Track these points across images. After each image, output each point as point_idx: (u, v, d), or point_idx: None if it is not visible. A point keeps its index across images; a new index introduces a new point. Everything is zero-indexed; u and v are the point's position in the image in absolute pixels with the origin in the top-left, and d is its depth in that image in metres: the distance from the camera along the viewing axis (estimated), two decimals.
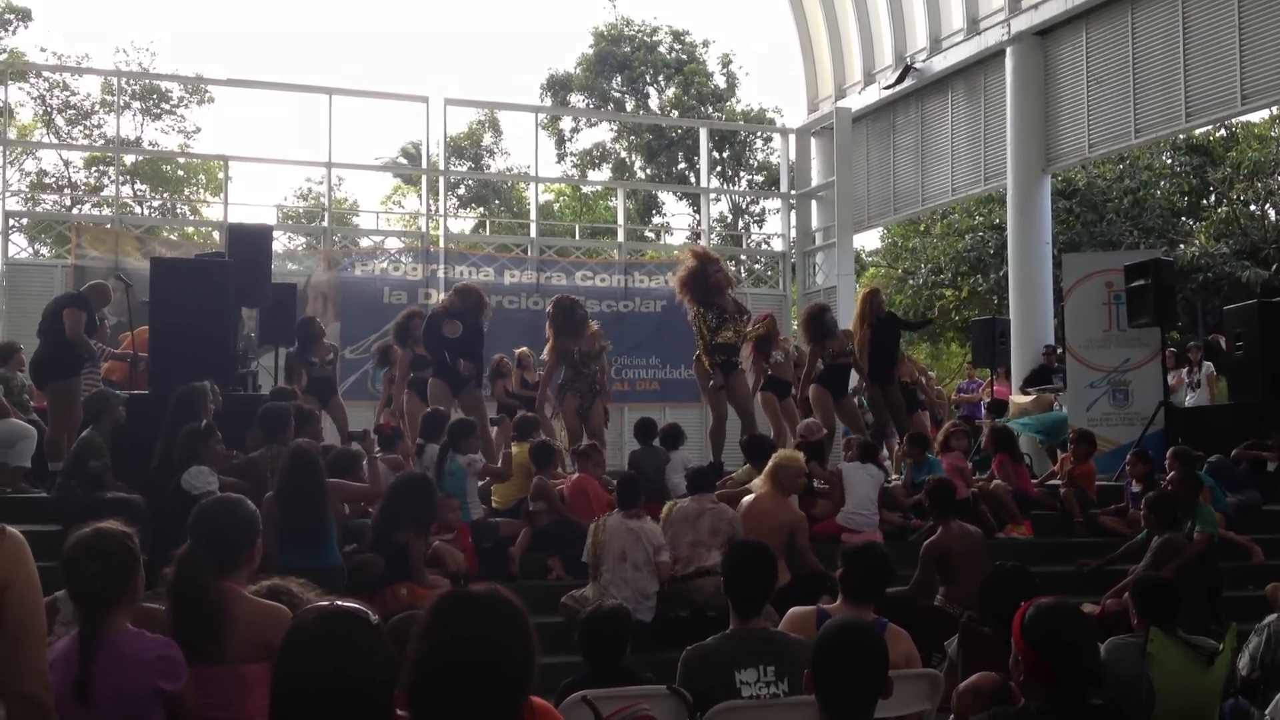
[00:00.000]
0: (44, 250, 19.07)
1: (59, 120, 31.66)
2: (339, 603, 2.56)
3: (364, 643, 2.42)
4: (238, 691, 3.66)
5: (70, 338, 9.75)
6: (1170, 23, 15.18)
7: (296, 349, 11.93)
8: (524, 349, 13.61)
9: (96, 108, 31.54)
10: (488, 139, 37.32)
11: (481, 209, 35.68)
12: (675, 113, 33.83)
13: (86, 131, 31.39)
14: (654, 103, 35.76)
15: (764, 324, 11.59)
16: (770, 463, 8.20)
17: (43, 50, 31.15)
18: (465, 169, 34.93)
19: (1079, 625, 3.41)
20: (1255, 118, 28.37)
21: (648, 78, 35.29)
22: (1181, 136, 25.20)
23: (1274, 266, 27.19)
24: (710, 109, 34.53)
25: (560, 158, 35.92)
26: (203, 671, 3.63)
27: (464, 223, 33.27)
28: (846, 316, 19.53)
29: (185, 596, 3.75)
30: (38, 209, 24.38)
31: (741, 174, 35.19)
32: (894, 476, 11.28)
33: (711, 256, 11.46)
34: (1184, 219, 29.95)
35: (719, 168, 33.65)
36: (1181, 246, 27.36)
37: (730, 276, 11.53)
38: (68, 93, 31.42)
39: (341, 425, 11.48)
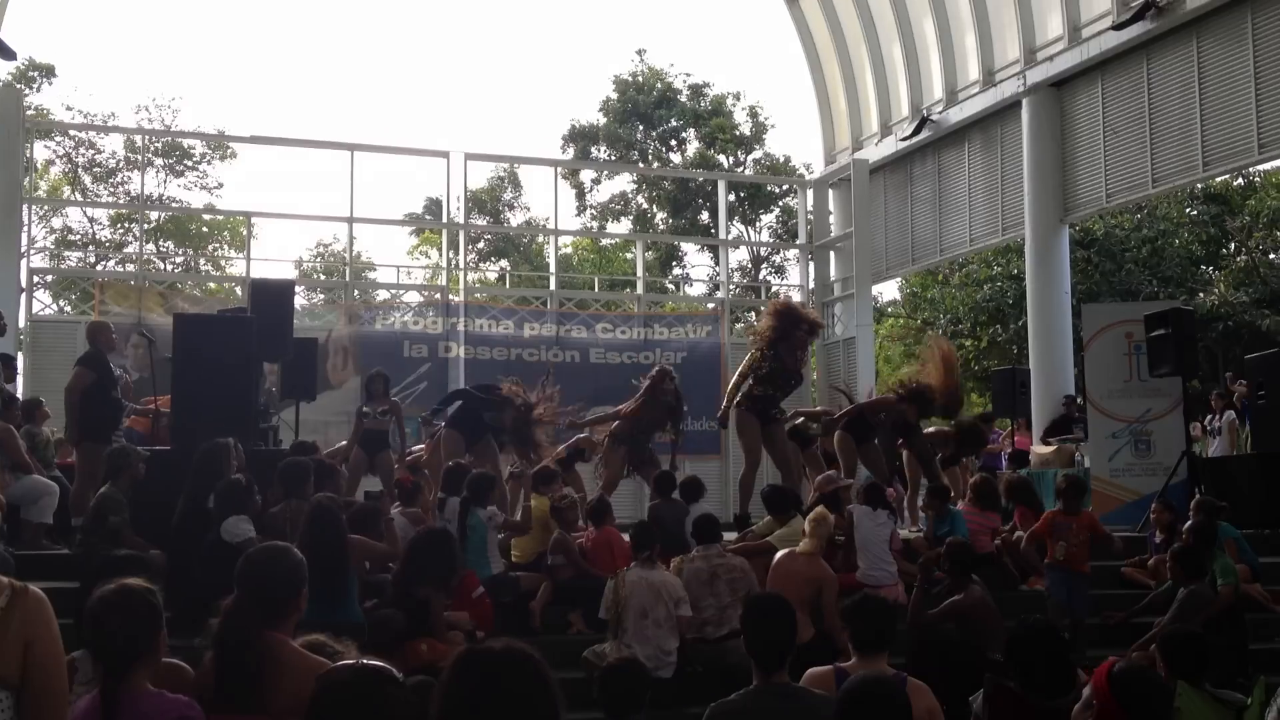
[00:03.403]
0: (67, 307, 19.23)
1: (85, 178, 32.08)
2: (367, 661, 2.57)
3: (393, 700, 2.43)
4: None
5: (65, 396, 9.82)
6: (1186, 73, 15.23)
7: (363, 399, 12.15)
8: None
9: (121, 165, 31.96)
10: (507, 194, 37.64)
11: (501, 262, 35.93)
12: (689, 166, 34.08)
13: (112, 189, 31.77)
14: (676, 157, 35.98)
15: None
16: (812, 522, 8.20)
17: (69, 109, 31.63)
18: (485, 223, 35.20)
19: (1166, 694, 3.47)
20: (1273, 166, 28.39)
21: (672, 125, 35.51)
22: (1199, 185, 25.21)
23: None
24: (739, 154, 34.72)
25: (580, 210, 36.22)
26: None
27: (485, 274, 33.48)
28: (866, 366, 19.65)
29: (231, 646, 3.72)
30: (62, 266, 24.63)
31: (762, 216, 35.34)
32: (915, 528, 11.21)
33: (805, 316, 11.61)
34: (1203, 268, 29.93)
35: (739, 212, 33.78)
36: (1201, 295, 27.31)
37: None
38: (93, 150, 31.85)
39: (386, 483, 11.53)
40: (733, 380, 11.60)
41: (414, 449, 12.51)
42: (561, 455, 11.95)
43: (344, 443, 12.15)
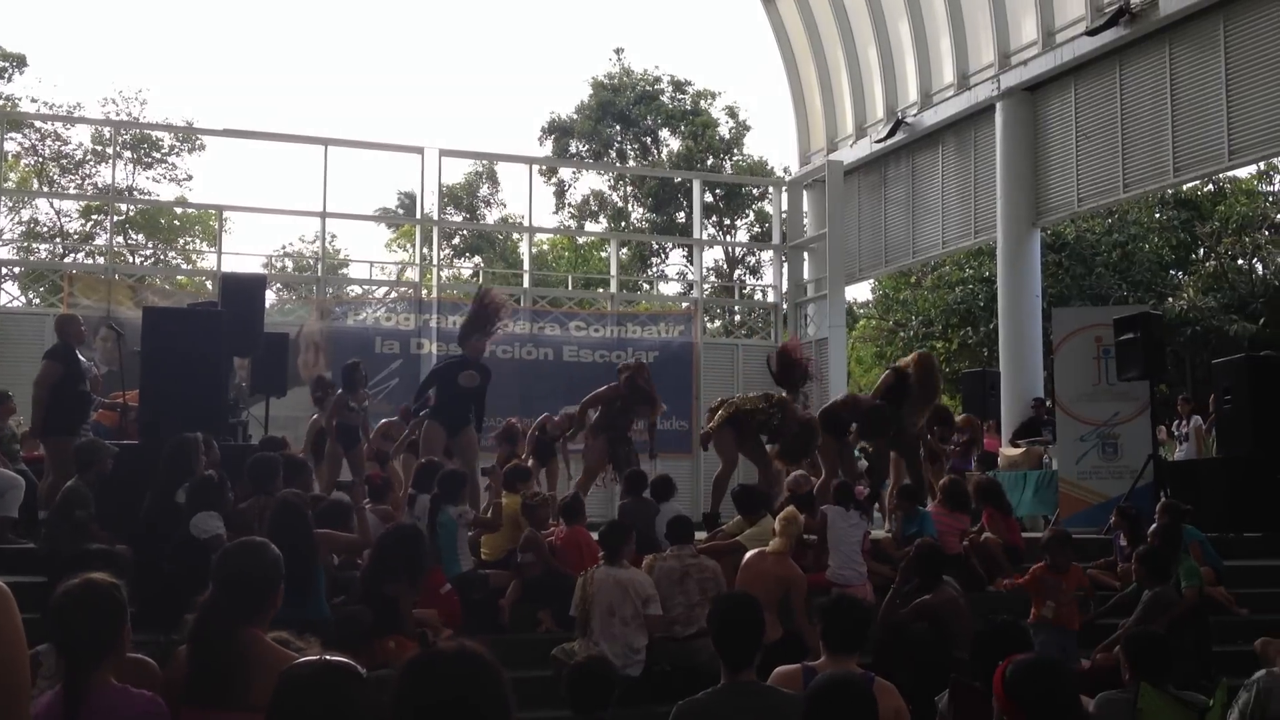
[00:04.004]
0: (36, 299, 19.07)
1: (51, 169, 31.79)
2: (329, 657, 2.55)
3: (355, 696, 2.42)
4: None
5: (34, 389, 9.71)
6: (1158, 79, 15.35)
7: (343, 390, 11.94)
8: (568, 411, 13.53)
9: (89, 157, 31.67)
10: (484, 190, 37.56)
11: (476, 259, 35.87)
12: (683, 165, 34.10)
13: (79, 181, 31.49)
14: (656, 154, 35.99)
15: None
16: (782, 522, 8.23)
17: (34, 101, 31.35)
18: (460, 219, 35.09)
19: (1063, 679, 3.41)
20: (1243, 173, 28.64)
21: (650, 124, 35.53)
22: (1170, 191, 25.41)
23: (1261, 320, 27.32)
24: (719, 158, 34.78)
25: (559, 208, 36.20)
26: (223, 718, 3.59)
27: (458, 271, 33.41)
28: (838, 367, 19.70)
29: (208, 643, 3.71)
30: (30, 258, 24.42)
31: (739, 221, 35.42)
32: (885, 528, 11.25)
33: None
34: (1172, 273, 30.16)
35: (714, 216, 33.84)
36: (1170, 300, 27.52)
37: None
38: (59, 142, 31.56)
39: (358, 478, 11.43)
40: (726, 410, 11.46)
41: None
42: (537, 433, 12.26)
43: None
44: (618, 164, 35.61)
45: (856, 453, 13.93)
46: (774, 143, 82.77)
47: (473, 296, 11.74)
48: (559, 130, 35.75)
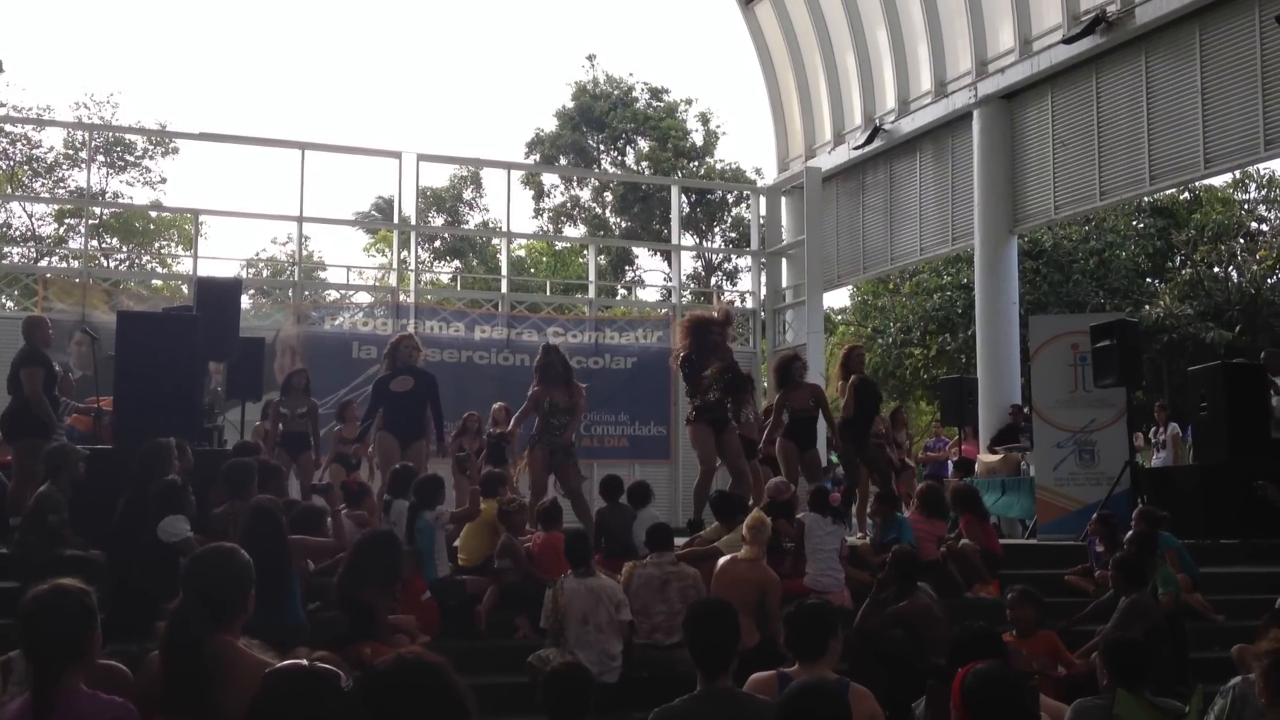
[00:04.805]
0: (9, 303, 18.92)
1: (23, 173, 31.51)
2: (308, 664, 2.53)
3: (334, 704, 2.40)
4: None
5: (30, 398, 9.60)
6: (1134, 87, 15.42)
7: (279, 397, 12.05)
8: (500, 404, 13.58)
9: (61, 160, 31.41)
10: (468, 194, 37.45)
11: (456, 263, 35.79)
12: (649, 168, 34.06)
13: (50, 185, 31.25)
14: (630, 159, 36.01)
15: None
16: (749, 529, 8.20)
17: (2, 105, 31.08)
18: (438, 224, 35.01)
19: (1017, 691, 3.40)
20: (1218, 181, 28.85)
21: (626, 133, 35.56)
22: (1146, 199, 25.54)
23: (1237, 328, 27.52)
24: (690, 164, 34.80)
25: (538, 213, 36.18)
26: None
27: (437, 277, 33.31)
28: (816, 374, 19.71)
29: (178, 651, 3.67)
30: (3, 262, 24.24)
31: (716, 229, 35.44)
32: (860, 534, 11.26)
33: (718, 319, 11.36)
34: (1149, 280, 30.34)
35: (693, 223, 33.86)
36: (1146, 308, 27.67)
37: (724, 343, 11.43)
38: (30, 146, 31.30)
39: (305, 484, 11.40)
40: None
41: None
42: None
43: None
44: (595, 170, 35.59)
45: (834, 459, 13.99)
46: (748, 149, 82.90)
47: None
48: (542, 144, 35.70)
